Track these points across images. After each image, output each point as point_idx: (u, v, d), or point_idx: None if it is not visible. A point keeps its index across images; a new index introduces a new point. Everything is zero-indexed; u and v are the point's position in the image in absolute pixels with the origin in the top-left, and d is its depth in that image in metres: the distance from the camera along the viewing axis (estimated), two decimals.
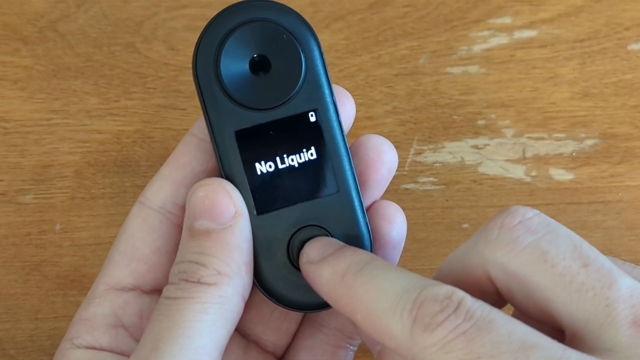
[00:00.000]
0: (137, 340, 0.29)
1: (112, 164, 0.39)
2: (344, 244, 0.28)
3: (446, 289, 0.23)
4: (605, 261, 0.24)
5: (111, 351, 0.28)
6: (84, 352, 0.28)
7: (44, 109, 0.39)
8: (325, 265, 0.26)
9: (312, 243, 0.28)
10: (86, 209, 0.38)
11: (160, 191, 0.29)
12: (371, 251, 0.29)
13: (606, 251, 0.38)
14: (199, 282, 0.26)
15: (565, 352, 0.22)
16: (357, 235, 0.28)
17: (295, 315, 0.31)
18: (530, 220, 0.24)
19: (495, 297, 0.26)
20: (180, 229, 0.30)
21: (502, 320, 0.22)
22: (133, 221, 0.29)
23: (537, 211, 0.25)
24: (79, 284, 0.38)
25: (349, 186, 0.28)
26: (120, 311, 0.29)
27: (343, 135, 0.29)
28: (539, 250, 0.24)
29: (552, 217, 0.25)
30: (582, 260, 0.23)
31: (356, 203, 0.28)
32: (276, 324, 0.31)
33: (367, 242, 0.28)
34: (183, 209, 0.29)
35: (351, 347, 0.31)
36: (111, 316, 0.29)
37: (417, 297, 0.23)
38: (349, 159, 0.29)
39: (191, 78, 0.39)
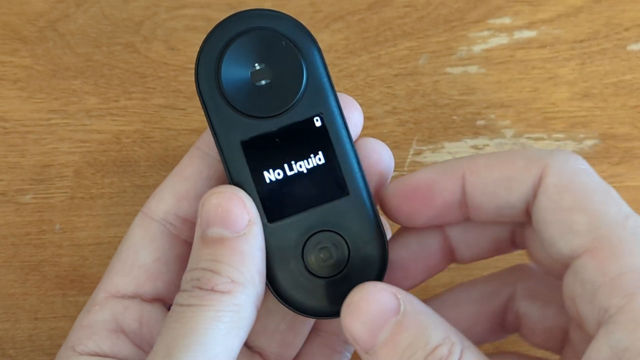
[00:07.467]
0: (138, 346, 0.29)
1: (111, 164, 0.39)
2: (389, 304, 0.26)
3: None
4: None
5: (113, 357, 0.28)
6: (87, 359, 0.28)
7: (43, 108, 0.39)
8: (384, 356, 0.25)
9: (354, 315, 0.26)
10: (86, 209, 0.38)
11: (162, 203, 0.30)
12: (386, 246, 0.28)
13: None
14: (212, 290, 0.26)
15: None
16: (372, 238, 0.28)
17: (302, 328, 0.32)
18: None
19: None
20: (180, 240, 0.30)
21: None
22: (135, 231, 0.30)
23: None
24: (78, 284, 0.38)
25: (360, 188, 0.28)
26: (120, 317, 0.29)
27: (350, 137, 0.28)
28: None
29: None
30: None
31: (368, 204, 0.28)
32: (281, 337, 0.31)
33: (382, 242, 0.28)
34: (184, 221, 0.30)
35: (346, 352, 0.32)
36: (112, 322, 0.29)
37: None
38: (358, 160, 0.28)
39: (191, 78, 0.40)
